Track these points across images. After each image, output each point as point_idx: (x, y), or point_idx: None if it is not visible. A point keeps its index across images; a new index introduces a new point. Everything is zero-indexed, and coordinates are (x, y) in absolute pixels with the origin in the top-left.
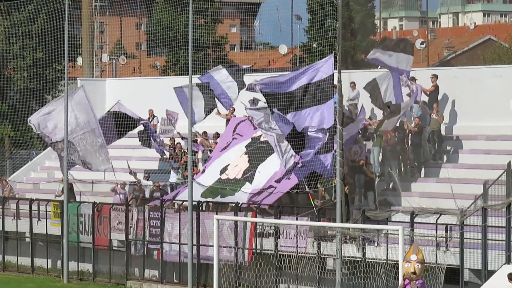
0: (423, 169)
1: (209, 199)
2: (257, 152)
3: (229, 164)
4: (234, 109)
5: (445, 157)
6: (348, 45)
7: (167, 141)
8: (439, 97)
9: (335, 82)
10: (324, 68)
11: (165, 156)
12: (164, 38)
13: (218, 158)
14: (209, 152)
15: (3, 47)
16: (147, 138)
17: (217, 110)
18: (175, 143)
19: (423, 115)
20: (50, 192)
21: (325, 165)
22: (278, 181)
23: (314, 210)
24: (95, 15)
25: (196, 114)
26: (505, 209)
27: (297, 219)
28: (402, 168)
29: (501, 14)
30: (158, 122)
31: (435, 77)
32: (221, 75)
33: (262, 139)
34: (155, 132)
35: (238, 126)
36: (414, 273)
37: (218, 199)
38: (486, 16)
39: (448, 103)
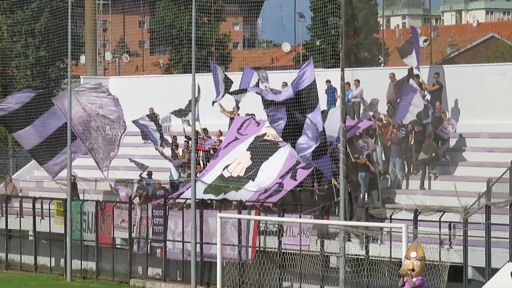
0: (426, 166)
1: (212, 197)
2: (260, 150)
3: (231, 162)
4: (239, 108)
5: (448, 155)
6: (351, 43)
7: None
8: (442, 95)
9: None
10: (306, 74)
11: (164, 153)
12: (167, 36)
13: (223, 158)
14: (211, 150)
15: (6, 46)
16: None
17: (221, 108)
18: (177, 141)
19: (426, 114)
20: (53, 190)
21: (324, 168)
22: (281, 177)
23: (317, 208)
24: (98, 13)
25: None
26: (508, 207)
27: (300, 217)
28: (406, 166)
29: (504, 12)
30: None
31: (437, 75)
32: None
33: (265, 137)
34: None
35: (242, 126)
36: (413, 270)
37: (221, 196)
38: (489, 13)
39: (451, 101)
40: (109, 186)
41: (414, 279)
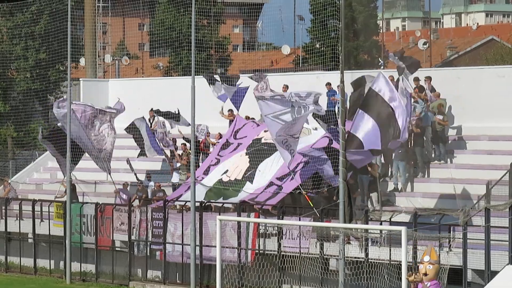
0: (426, 169)
1: (212, 201)
2: (258, 153)
3: (230, 168)
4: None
5: (448, 158)
6: (351, 46)
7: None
8: (441, 97)
9: (337, 83)
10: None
11: (165, 157)
12: (167, 38)
13: (225, 161)
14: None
15: (6, 48)
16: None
17: (221, 110)
18: (177, 143)
19: (425, 116)
20: (53, 193)
21: (328, 174)
22: (280, 179)
23: (315, 212)
24: (97, 15)
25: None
26: (508, 210)
27: (300, 220)
28: (406, 169)
29: (503, 15)
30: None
31: (429, 79)
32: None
33: (263, 140)
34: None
35: (241, 129)
36: (426, 274)
37: (221, 200)
38: (489, 16)
39: (450, 103)
40: (110, 189)
41: (427, 284)
